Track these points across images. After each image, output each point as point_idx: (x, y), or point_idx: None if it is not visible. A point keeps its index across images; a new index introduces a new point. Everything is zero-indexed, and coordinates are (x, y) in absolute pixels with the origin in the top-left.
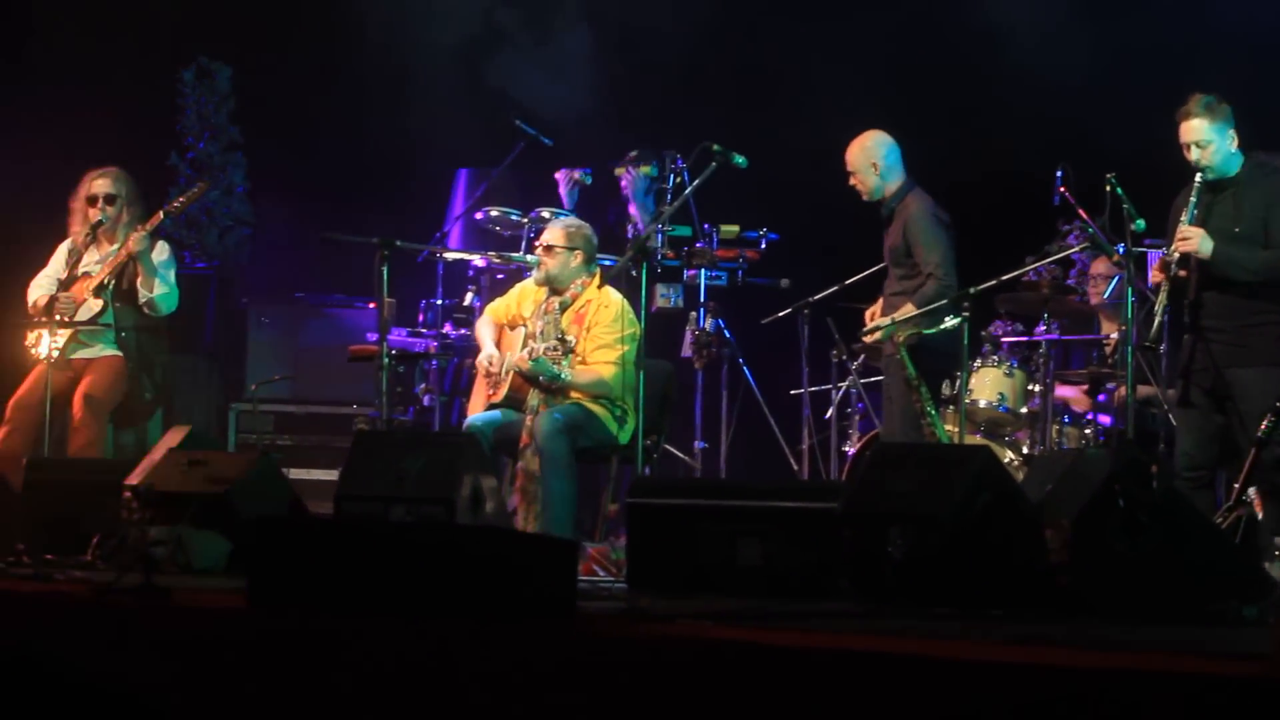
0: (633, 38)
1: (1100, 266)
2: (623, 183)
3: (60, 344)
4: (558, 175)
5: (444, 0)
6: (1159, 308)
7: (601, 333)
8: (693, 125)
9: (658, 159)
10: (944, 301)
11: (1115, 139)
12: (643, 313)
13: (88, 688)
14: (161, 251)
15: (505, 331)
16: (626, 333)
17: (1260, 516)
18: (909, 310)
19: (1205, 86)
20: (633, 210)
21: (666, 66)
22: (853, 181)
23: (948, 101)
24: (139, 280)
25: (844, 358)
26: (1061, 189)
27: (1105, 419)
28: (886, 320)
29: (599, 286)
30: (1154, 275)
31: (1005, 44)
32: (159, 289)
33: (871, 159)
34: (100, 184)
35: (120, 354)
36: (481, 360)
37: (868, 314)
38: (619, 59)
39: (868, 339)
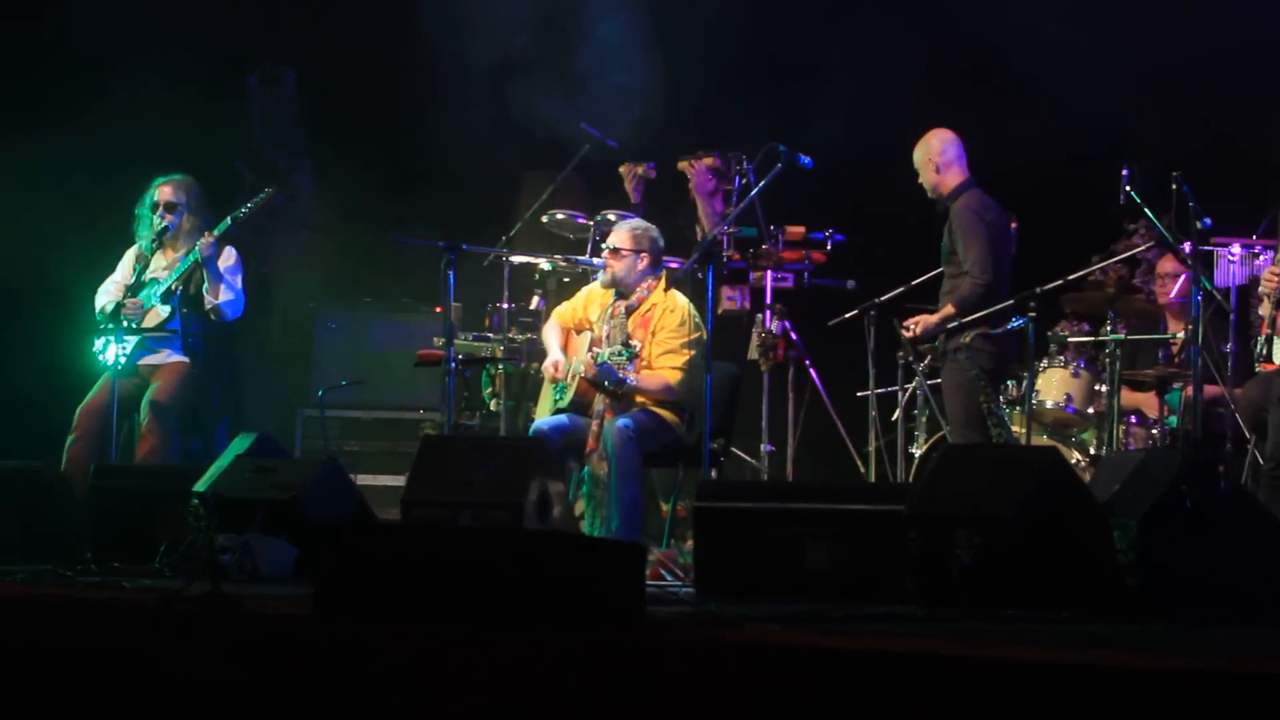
0: (692, 41)
1: (1167, 265)
2: (692, 180)
3: (128, 351)
4: (621, 170)
5: (501, 5)
6: (1267, 319)
7: (667, 337)
8: (756, 127)
9: (723, 159)
10: (990, 309)
11: (1181, 137)
12: (709, 315)
13: (156, 696)
14: (228, 257)
15: (572, 336)
16: (692, 336)
17: None
18: (948, 312)
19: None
20: (701, 207)
21: (728, 67)
22: (920, 180)
23: (1013, 101)
24: (205, 286)
25: (910, 359)
26: (1127, 188)
27: (1172, 419)
28: (933, 320)
29: (665, 289)
30: (1265, 285)
31: (1070, 42)
32: (225, 295)
33: (930, 156)
34: (164, 192)
35: (187, 360)
36: (547, 366)
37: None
38: (679, 63)
39: (908, 334)
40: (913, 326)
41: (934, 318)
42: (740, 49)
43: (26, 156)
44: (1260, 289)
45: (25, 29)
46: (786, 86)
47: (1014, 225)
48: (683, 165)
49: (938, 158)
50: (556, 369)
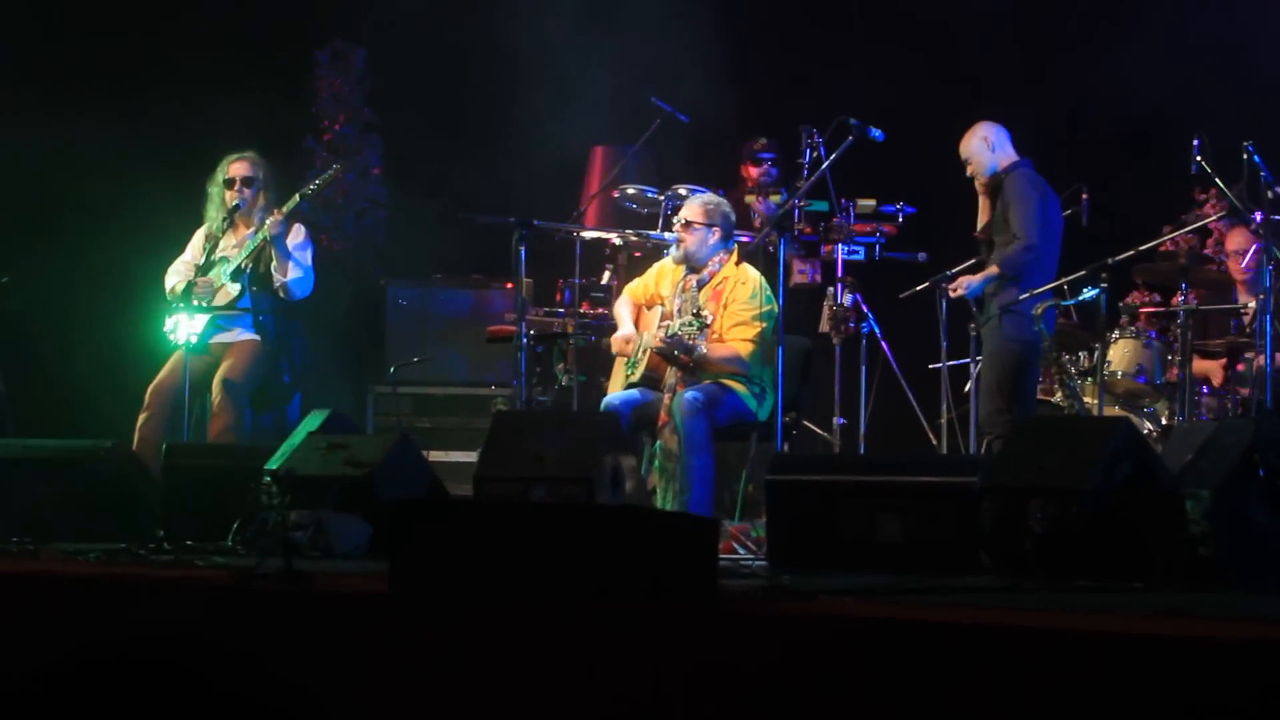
0: (761, 14)
1: (1237, 240)
2: (759, 208)
3: (198, 329)
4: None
5: None
6: None
7: (739, 309)
8: (827, 99)
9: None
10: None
11: (1254, 106)
12: (780, 289)
13: (229, 673)
14: (297, 234)
15: (643, 311)
16: (764, 309)
17: None
18: (991, 271)
19: None
20: (755, 205)
21: (797, 36)
22: (969, 171)
23: (1084, 70)
24: (274, 264)
25: (982, 331)
26: (1198, 158)
27: (1244, 389)
28: (977, 278)
29: (736, 263)
30: None
31: (1144, 12)
32: (294, 272)
33: (984, 136)
34: (238, 168)
35: (258, 338)
36: (617, 339)
37: None
38: (748, 34)
39: (955, 294)
40: (957, 286)
41: (978, 276)
42: (807, 20)
43: (93, 135)
44: None
45: (93, 5)
46: (856, 58)
47: (1085, 197)
48: (749, 200)
49: (992, 136)
50: (627, 343)
